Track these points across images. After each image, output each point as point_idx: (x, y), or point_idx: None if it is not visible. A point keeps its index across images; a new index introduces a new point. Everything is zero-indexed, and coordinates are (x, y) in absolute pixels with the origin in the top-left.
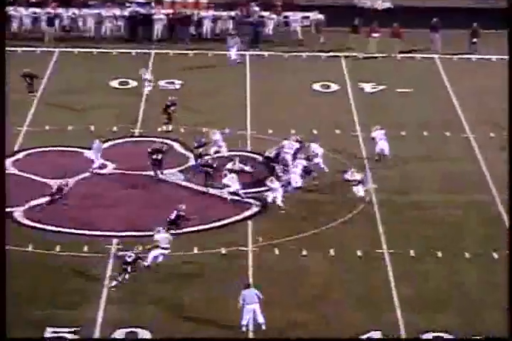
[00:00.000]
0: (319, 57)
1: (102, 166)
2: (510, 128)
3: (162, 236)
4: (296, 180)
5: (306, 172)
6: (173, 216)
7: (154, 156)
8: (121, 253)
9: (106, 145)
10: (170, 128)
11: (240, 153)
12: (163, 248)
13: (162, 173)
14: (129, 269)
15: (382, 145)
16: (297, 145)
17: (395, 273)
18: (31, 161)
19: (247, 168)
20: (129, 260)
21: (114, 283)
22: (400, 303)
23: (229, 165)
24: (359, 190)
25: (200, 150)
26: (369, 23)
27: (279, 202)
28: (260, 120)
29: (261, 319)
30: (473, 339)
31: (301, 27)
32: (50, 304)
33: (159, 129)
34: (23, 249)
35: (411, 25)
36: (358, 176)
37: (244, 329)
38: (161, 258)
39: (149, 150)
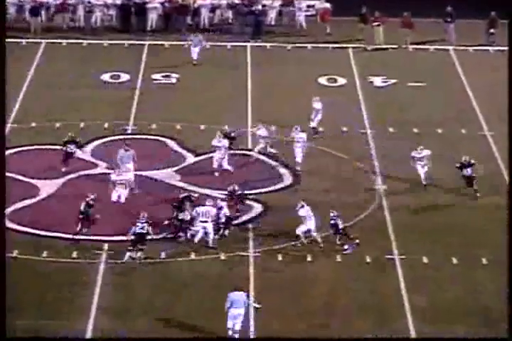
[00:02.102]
0: (325, 49)
1: (93, 166)
2: (511, 127)
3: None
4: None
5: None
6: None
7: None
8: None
9: (96, 143)
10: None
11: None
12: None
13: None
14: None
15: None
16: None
17: (407, 281)
18: (17, 160)
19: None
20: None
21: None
22: (412, 313)
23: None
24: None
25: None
26: (379, 12)
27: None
28: (262, 116)
29: (238, 326)
30: (473, 339)
31: (305, 16)
32: (37, 314)
33: None
34: (8, 255)
35: (423, 14)
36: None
37: (230, 333)
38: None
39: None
